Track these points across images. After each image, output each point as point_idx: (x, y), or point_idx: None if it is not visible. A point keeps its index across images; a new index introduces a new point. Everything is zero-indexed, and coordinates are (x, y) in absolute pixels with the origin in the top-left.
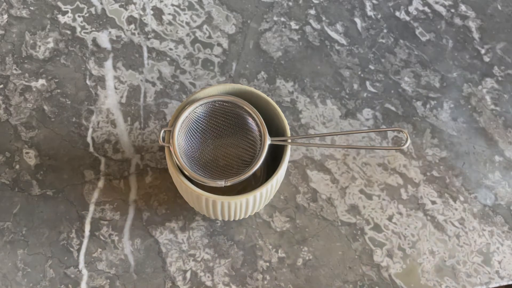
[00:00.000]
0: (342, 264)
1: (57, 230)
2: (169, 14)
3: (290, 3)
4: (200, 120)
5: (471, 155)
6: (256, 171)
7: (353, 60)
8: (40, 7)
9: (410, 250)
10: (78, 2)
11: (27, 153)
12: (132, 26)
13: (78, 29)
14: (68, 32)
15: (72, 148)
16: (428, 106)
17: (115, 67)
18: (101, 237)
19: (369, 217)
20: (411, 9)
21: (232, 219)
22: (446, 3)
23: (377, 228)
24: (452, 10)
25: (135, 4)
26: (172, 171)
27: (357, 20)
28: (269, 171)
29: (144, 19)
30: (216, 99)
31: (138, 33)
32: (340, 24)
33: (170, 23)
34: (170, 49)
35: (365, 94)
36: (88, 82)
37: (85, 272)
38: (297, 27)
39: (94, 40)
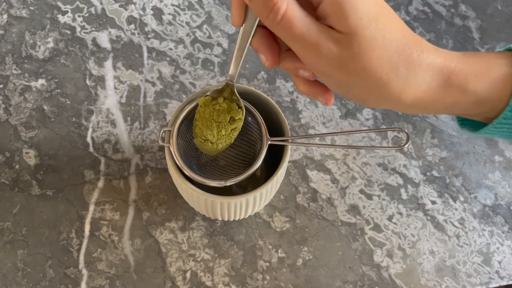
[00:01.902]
0: (342, 264)
1: (57, 230)
2: (169, 14)
3: None
4: None
5: (471, 155)
6: (256, 171)
7: None
8: (40, 7)
9: (410, 250)
10: (78, 2)
11: (27, 153)
12: (132, 26)
13: (78, 29)
14: (68, 32)
15: (72, 148)
16: None
17: (115, 67)
18: (101, 237)
19: (369, 217)
20: (411, 9)
21: (232, 219)
22: (446, 3)
23: (377, 228)
24: (452, 10)
25: (135, 4)
26: (172, 171)
27: None
28: (269, 171)
29: (144, 19)
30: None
31: (138, 33)
32: None
33: (170, 23)
34: (170, 49)
35: None
36: (88, 82)
37: (85, 272)
38: None
39: (94, 40)
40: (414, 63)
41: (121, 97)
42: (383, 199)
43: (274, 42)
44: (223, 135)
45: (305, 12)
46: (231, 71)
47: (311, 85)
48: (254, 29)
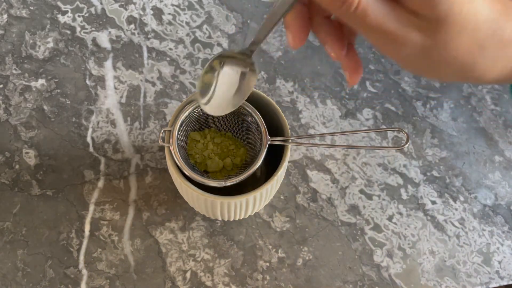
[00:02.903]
0: (342, 264)
1: (57, 230)
2: (169, 14)
3: None
4: (200, 120)
5: (471, 155)
6: (256, 171)
7: None
8: (40, 7)
9: (410, 250)
10: (78, 2)
11: (27, 153)
12: (132, 26)
13: (78, 29)
14: (68, 32)
15: (72, 148)
16: (428, 106)
17: (115, 67)
18: (101, 237)
19: (369, 217)
20: None
21: (232, 219)
22: None
23: (377, 228)
24: None
25: (135, 4)
26: (172, 171)
27: None
28: (269, 171)
29: (144, 19)
30: None
31: (138, 33)
32: None
33: (170, 23)
34: (170, 49)
35: (365, 94)
36: (88, 82)
37: (85, 272)
38: None
39: (94, 40)
40: (504, 42)
41: (121, 97)
42: (383, 199)
43: (309, 24)
44: (229, 167)
45: None
46: (255, 38)
47: (346, 57)
48: (293, 3)
